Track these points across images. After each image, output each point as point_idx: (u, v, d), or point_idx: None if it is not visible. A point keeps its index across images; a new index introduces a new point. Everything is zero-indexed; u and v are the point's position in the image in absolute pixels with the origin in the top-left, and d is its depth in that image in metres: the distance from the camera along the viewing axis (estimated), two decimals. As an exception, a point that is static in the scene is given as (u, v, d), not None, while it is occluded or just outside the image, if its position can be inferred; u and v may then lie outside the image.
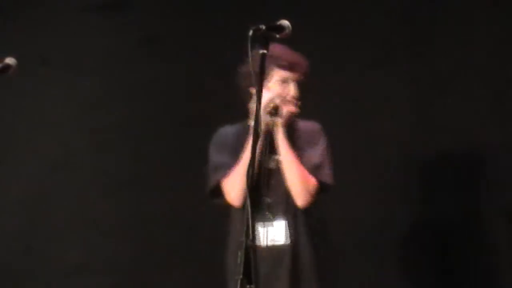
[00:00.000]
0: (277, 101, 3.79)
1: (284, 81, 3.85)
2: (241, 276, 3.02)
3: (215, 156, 3.91)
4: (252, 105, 3.78)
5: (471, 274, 4.76)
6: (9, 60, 3.53)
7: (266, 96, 3.71)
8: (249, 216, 3.07)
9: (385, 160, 4.88)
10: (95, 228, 5.16)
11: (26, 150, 5.23)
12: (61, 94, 5.23)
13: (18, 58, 3.57)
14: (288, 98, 3.85)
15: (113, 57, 5.23)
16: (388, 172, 4.87)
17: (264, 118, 3.74)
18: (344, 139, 4.50)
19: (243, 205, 3.62)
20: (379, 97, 4.92)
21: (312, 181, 3.82)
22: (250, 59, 3.24)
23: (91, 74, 5.23)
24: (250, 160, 3.21)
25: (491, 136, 4.79)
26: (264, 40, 3.23)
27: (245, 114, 3.85)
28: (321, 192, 3.84)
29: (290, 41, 3.49)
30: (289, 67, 3.83)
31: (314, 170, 3.83)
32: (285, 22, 3.28)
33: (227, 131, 3.96)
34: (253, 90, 3.72)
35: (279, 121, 3.79)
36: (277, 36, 3.28)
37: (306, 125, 3.94)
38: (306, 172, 3.82)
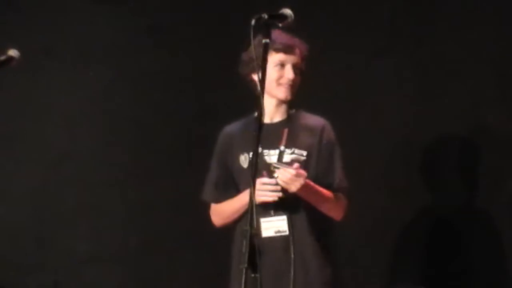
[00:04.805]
0: (283, 185, 3.69)
1: (281, 64, 3.80)
2: (245, 265, 3.02)
3: (212, 165, 3.94)
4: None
5: (474, 266, 4.78)
6: (12, 52, 3.55)
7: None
8: (253, 206, 3.08)
9: (389, 149, 4.87)
10: (104, 217, 5.20)
11: (34, 141, 5.23)
12: (66, 85, 5.23)
13: (23, 49, 3.59)
14: (285, 81, 3.81)
15: (118, 48, 5.25)
16: (392, 161, 4.87)
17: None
18: (348, 129, 4.47)
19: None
20: (382, 86, 4.93)
21: (345, 203, 3.86)
22: (252, 47, 3.24)
23: (96, 65, 5.24)
24: (254, 149, 3.24)
25: (496, 123, 4.79)
26: (266, 29, 3.27)
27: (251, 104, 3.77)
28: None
29: (293, 30, 3.55)
30: (284, 50, 3.78)
31: (343, 189, 3.85)
32: (287, 11, 3.31)
33: (227, 132, 3.94)
34: (254, 77, 3.77)
35: (297, 191, 3.69)
36: (279, 25, 3.32)
37: (313, 120, 3.90)
38: (340, 203, 3.84)
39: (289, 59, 3.80)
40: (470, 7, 4.83)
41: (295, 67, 3.81)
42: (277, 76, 3.79)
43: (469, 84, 4.83)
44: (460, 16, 4.86)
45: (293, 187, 3.64)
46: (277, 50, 3.77)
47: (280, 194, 3.68)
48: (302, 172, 3.65)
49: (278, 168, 3.66)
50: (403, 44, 4.92)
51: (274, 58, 3.78)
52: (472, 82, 4.83)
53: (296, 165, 3.67)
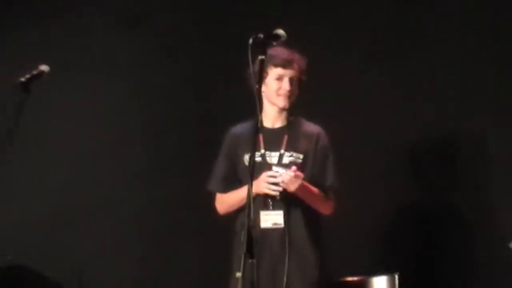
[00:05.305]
0: (283, 186, 4.04)
1: (279, 78, 4.16)
2: (244, 252, 3.39)
3: (219, 160, 4.29)
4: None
5: (453, 258, 5.02)
6: (44, 67, 3.93)
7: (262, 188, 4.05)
8: (251, 201, 3.47)
9: (372, 151, 5.12)
10: (118, 212, 5.39)
11: (59, 144, 5.45)
12: (90, 96, 5.47)
13: (54, 64, 3.95)
14: (283, 92, 4.17)
15: (134, 64, 5.48)
16: (384, 162, 5.11)
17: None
18: (337, 132, 4.64)
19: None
20: (366, 95, 5.16)
21: (334, 201, 4.23)
22: (250, 63, 3.63)
23: (115, 79, 5.48)
24: (251, 153, 3.68)
25: (482, 127, 5.01)
26: (262, 47, 3.65)
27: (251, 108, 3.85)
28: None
29: (287, 43, 3.86)
30: (283, 64, 4.14)
31: (334, 189, 4.22)
32: (280, 31, 3.71)
33: (234, 132, 4.27)
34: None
35: (295, 190, 4.06)
36: (274, 43, 3.73)
37: (310, 128, 4.25)
38: (329, 202, 4.21)
39: (287, 73, 4.16)
40: (442, 30, 5.07)
41: (292, 79, 4.17)
42: (276, 88, 4.17)
43: (464, 88, 5.04)
44: (450, 23, 5.08)
45: (292, 187, 4.05)
46: (276, 65, 4.15)
47: (280, 188, 4.07)
48: (300, 174, 4.06)
49: (278, 171, 4.07)
50: (397, 52, 5.14)
51: (274, 72, 4.16)
52: (464, 86, 5.04)
53: (294, 167, 4.06)
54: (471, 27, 5.07)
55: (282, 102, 4.19)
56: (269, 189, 4.09)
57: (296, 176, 4.03)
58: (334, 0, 5.32)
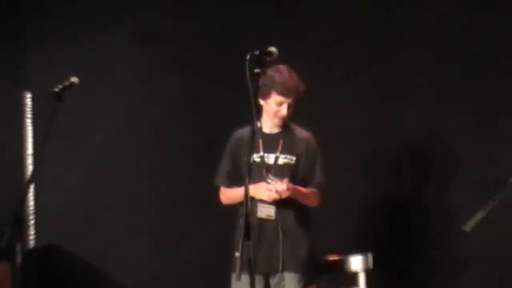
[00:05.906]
0: (275, 195, 4.50)
1: (279, 104, 4.60)
2: (243, 235, 3.80)
3: (224, 158, 4.75)
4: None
5: (420, 241, 5.41)
6: (74, 79, 4.33)
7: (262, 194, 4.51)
8: (248, 195, 3.90)
9: (356, 152, 5.52)
10: (136, 202, 5.83)
11: (84, 144, 5.88)
12: (110, 103, 5.88)
13: (80, 76, 4.33)
14: (279, 115, 4.60)
15: (147, 75, 5.88)
16: (357, 159, 5.51)
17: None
18: (326, 134, 5.02)
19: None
20: (350, 102, 5.56)
21: (320, 196, 4.70)
22: (248, 77, 3.97)
23: (131, 88, 5.89)
24: (248, 156, 4.13)
25: (450, 128, 5.36)
26: (258, 62, 4.04)
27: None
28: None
29: (280, 60, 4.15)
30: (284, 93, 4.55)
31: (322, 186, 4.71)
32: (273, 49, 4.07)
33: (237, 135, 4.72)
34: (260, 101, 4.62)
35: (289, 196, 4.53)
36: (268, 59, 4.06)
37: (301, 133, 4.71)
38: (316, 196, 4.66)
39: (286, 101, 4.58)
40: (419, 40, 5.37)
41: (290, 105, 4.60)
42: (275, 111, 4.63)
43: (416, 102, 5.39)
44: (410, 48, 5.40)
45: (284, 196, 4.56)
46: (279, 93, 4.57)
47: (275, 197, 4.58)
48: (291, 186, 4.55)
49: (273, 181, 4.57)
50: (366, 70, 5.46)
51: (275, 98, 4.60)
52: (419, 99, 5.40)
53: (286, 180, 4.53)
54: (437, 43, 5.38)
55: (277, 122, 4.67)
56: (266, 197, 4.58)
57: (287, 188, 4.53)
58: (331, 1, 5.61)
